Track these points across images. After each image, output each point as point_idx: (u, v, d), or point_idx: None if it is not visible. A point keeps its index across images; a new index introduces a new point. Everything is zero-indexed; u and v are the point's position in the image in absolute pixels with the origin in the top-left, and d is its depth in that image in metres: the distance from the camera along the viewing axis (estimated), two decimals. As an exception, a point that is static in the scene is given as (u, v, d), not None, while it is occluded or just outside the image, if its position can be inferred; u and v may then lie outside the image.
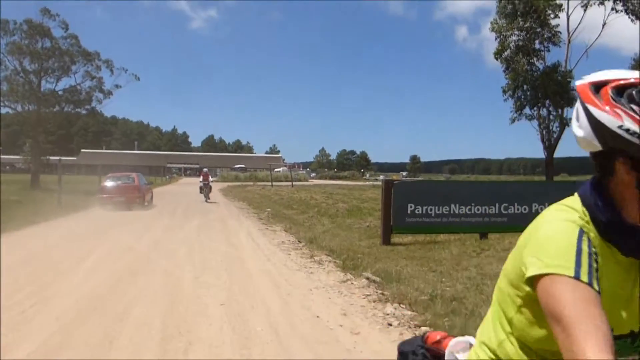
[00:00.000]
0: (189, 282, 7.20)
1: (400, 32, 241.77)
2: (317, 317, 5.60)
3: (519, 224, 11.19)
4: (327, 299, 6.38)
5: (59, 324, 5.11)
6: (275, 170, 74.27)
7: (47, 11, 30.51)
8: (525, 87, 37.82)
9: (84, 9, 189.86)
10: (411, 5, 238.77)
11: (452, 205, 11.19)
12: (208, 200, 25.41)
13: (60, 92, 32.42)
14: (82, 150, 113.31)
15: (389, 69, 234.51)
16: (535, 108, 38.51)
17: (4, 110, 33.71)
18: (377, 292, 6.65)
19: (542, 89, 36.52)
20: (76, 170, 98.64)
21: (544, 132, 38.16)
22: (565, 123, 37.72)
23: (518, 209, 11.29)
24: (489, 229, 11.31)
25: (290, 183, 47.09)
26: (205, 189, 26.02)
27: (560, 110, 37.56)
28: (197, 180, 42.23)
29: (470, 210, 11.23)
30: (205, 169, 28.17)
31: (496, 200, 11.30)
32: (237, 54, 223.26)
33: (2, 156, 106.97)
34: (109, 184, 20.43)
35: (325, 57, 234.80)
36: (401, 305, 5.97)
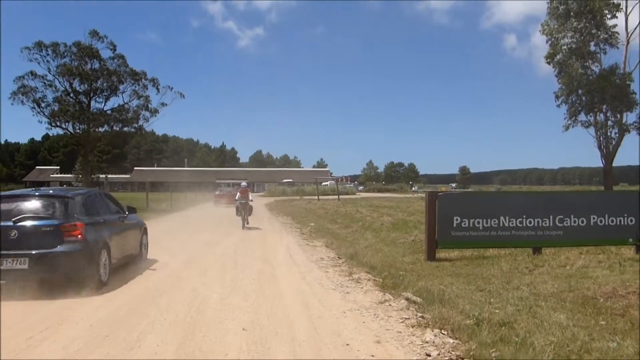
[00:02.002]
0: (214, 303, 6.78)
1: (446, 42, 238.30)
2: (347, 344, 5.05)
3: (577, 237, 10.33)
4: (361, 323, 5.82)
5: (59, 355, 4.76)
6: (323, 184, 74.19)
7: (96, 33, 31.55)
8: (580, 91, 36.15)
9: (132, 29, 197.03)
10: (457, 15, 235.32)
11: (502, 218, 10.38)
12: (247, 226, 18.87)
13: (108, 112, 33.33)
14: (135, 168, 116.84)
15: (436, 80, 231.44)
16: (591, 114, 36.74)
17: (56, 131, 34.90)
18: (416, 315, 6.04)
19: (598, 93, 34.79)
20: (129, 187, 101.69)
21: (602, 139, 36.33)
22: (625, 129, 35.82)
23: (575, 222, 10.35)
24: (543, 243, 10.43)
25: (337, 196, 46.66)
26: (244, 211, 18.87)
27: (619, 116, 35.65)
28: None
29: (521, 222, 10.38)
30: (243, 183, 20.67)
31: (551, 212, 10.42)
32: (283, 70, 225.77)
33: (59, 175, 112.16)
34: (218, 192, 25.31)
35: (371, 70, 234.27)
36: (442, 332, 5.34)
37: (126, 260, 9.49)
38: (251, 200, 19.50)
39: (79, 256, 7.42)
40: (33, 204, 7.85)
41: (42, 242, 7.34)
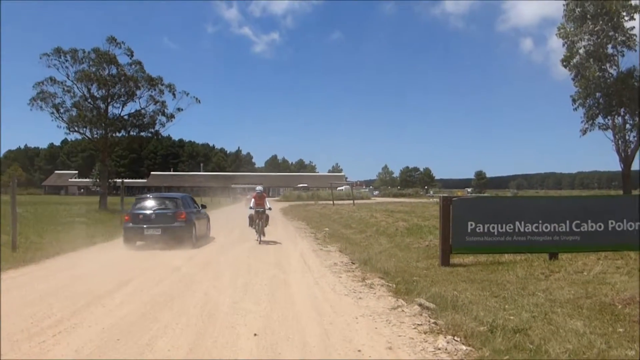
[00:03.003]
0: (227, 307, 6.78)
1: (462, 45, 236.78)
2: (359, 351, 5.00)
3: (594, 243, 10.16)
4: (373, 329, 5.77)
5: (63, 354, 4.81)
6: (338, 188, 74.10)
7: (114, 39, 31.96)
8: (597, 95, 35.69)
9: (148, 36, 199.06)
10: (472, 18, 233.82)
11: (517, 223, 10.26)
12: (263, 239, 15.61)
13: (125, 117, 33.71)
14: (152, 172, 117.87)
15: (452, 84, 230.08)
16: (609, 117, 36.25)
17: (74, 136, 35.33)
18: (429, 322, 5.96)
19: (616, 96, 34.33)
20: (146, 191, 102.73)
21: (620, 142, 35.79)
22: (643, 132, 35.24)
23: (592, 227, 10.18)
24: (560, 248, 10.27)
25: (352, 201, 46.54)
26: (260, 221, 15.70)
27: (637, 119, 35.09)
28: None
29: (537, 228, 10.24)
30: (259, 188, 16.58)
31: (567, 217, 10.26)
32: (299, 75, 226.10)
33: (77, 179, 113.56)
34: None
35: (386, 75, 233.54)
36: (455, 338, 5.26)
37: (201, 235, 16.06)
38: (269, 209, 16.14)
39: (184, 229, 14.29)
40: (160, 201, 14.95)
41: (166, 221, 14.15)
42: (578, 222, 10.22)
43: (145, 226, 13.98)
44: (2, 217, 14.87)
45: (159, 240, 13.79)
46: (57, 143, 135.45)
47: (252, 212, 15.94)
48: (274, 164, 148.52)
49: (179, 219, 14.18)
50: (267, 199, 16.36)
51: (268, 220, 16.30)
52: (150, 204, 14.69)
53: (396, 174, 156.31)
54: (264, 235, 15.82)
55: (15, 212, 12.70)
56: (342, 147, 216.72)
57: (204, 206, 17.63)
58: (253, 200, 16.07)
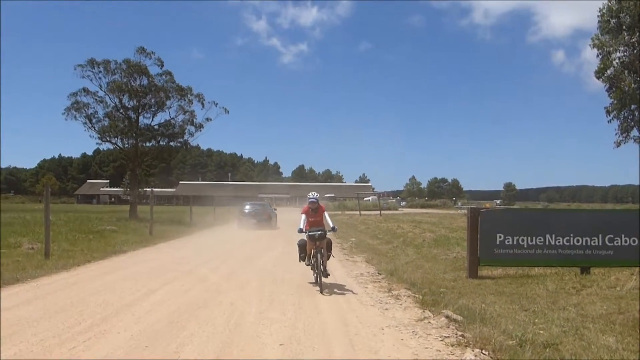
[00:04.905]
0: (253, 316, 6.81)
1: (490, 58, 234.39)
2: (385, 362, 4.97)
3: (628, 258, 9.90)
4: (399, 341, 5.72)
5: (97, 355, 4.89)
6: (365, 199, 73.91)
7: (144, 50, 32.48)
8: (632, 106, 34.85)
9: (178, 48, 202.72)
10: (501, 31, 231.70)
11: (548, 236, 10.09)
12: (325, 282, 9.24)
13: (155, 127, 34.18)
14: (180, 182, 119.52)
15: (482, 96, 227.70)
16: (644, 130, 35.30)
17: (106, 146, 36.06)
18: (456, 334, 5.89)
19: (652, 108, 33.44)
20: (175, 200, 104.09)
21: (656, 156, 34.78)
22: (679, 145, 34.21)
23: (626, 241, 9.95)
24: (592, 263, 10.05)
25: (378, 212, 46.35)
26: (318, 252, 9.33)
27: (673, 131, 34.11)
28: (290, 210, 43.20)
29: (569, 241, 10.06)
30: (313, 195, 9.75)
31: (600, 231, 10.06)
32: (326, 86, 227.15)
33: (109, 188, 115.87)
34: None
35: (414, 86, 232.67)
36: (483, 352, 5.18)
37: (274, 224, 29.06)
38: (332, 229, 9.68)
39: (271, 219, 28.65)
40: (259, 205, 30.70)
41: (262, 216, 28.21)
42: (611, 236, 10.00)
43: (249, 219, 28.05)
44: (36, 226, 15.24)
45: (255, 226, 27.17)
46: (90, 153, 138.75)
47: (306, 236, 9.48)
48: (301, 173, 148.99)
49: (270, 215, 28.89)
50: (326, 212, 9.78)
51: (331, 247, 9.96)
52: (250, 206, 29.43)
53: (424, 185, 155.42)
54: (325, 275, 9.26)
55: (49, 221, 12.99)
56: (370, 157, 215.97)
57: (275, 209, 33.14)
58: (304, 217, 9.54)
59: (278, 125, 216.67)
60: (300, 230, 9.47)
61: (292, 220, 25.06)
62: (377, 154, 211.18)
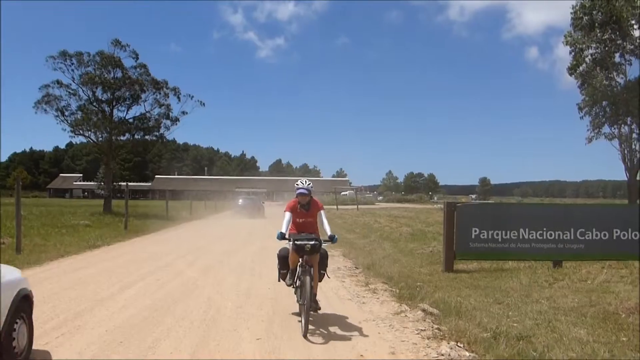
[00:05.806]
0: (230, 311, 6.79)
1: (465, 54, 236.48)
2: (361, 355, 5.00)
3: (598, 251, 10.13)
4: (376, 334, 5.76)
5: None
6: (342, 193, 73.95)
7: (118, 42, 31.88)
8: (604, 103, 35.59)
9: (154, 41, 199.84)
10: (477, 27, 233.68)
11: (522, 230, 10.26)
12: (313, 320, 6.27)
13: (130, 120, 33.58)
14: (156, 176, 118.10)
15: (457, 91, 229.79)
16: (615, 126, 36.13)
17: (79, 139, 35.42)
18: (432, 327, 5.96)
19: (623, 105, 34.20)
20: (150, 195, 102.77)
21: (626, 151, 35.67)
22: (650, 142, 35.10)
23: (597, 235, 10.17)
24: (564, 256, 10.26)
25: (355, 206, 46.55)
26: (307, 274, 6.01)
27: (644, 128, 34.96)
28: (267, 205, 44.26)
29: (542, 235, 10.24)
30: (302, 184, 6.51)
31: (572, 225, 10.26)
32: (303, 80, 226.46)
33: (82, 182, 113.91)
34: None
35: (391, 81, 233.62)
36: (458, 344, 5.26)
37: (263, 214, 35.73)
38: (331, 238, 6.41)
39: (261, 209, 36.75)
40: (250, 199, 39.05)
41: (253, 207, 35.85)
42: (582, 230, 10.21)
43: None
44: (7, 220, 14.92)
45: (247, 215, 33.25)
46: (62, 146, 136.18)
47: (291, 245, 6.29)
48: (278, 168, 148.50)
49: (260, 205, 36.38)
50: (323, 211, 6.76)
51: (326, 264, 6.77)
52: (242, 200, 37.36)
53: (400, 179, 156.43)
54: (315, 309, 6.46)
55: (20, 215, 12.74)
56: (347, 152, 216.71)
57: (263, 202, 40.20)
58: (288, 215, 6.50)
59: (255, 120, 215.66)
60: (282, 236, 6.19)
61: (274, 213, 29.73)
62: (354, 149, 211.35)
